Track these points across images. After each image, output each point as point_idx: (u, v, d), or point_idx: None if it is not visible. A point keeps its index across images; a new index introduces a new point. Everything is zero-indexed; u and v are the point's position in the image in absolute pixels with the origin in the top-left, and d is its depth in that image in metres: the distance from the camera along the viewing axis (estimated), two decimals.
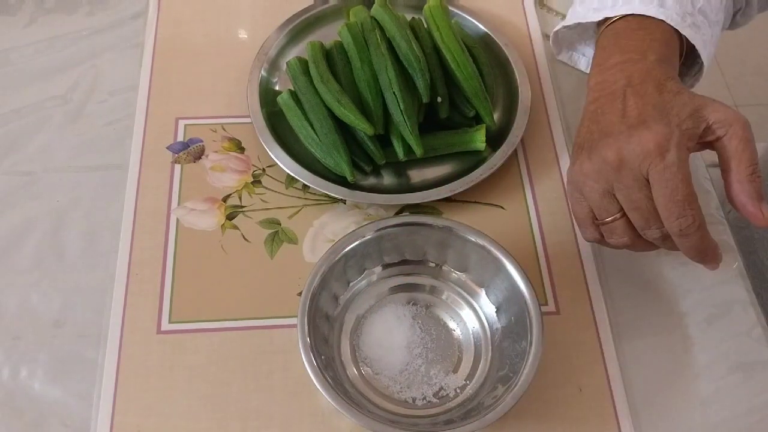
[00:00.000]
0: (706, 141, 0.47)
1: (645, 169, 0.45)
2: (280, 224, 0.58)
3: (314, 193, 0.60)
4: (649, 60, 0.49)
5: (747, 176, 0.45)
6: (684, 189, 0.44)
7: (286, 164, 0.59)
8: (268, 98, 0.63)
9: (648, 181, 0.45)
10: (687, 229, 0.44)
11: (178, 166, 0.61)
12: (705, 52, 0.53)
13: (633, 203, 0.46)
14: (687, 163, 0.45)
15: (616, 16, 0.53)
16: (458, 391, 0.50)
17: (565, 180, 0.61)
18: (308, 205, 0.59)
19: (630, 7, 0.52)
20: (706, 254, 0.47)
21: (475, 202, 0.60)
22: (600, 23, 0.55)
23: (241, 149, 0.62)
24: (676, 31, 0.51)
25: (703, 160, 0.63)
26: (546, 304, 0.55)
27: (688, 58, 0.55)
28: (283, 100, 0.61)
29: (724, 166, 0.47)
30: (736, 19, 0.61)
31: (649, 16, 0.51)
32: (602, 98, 0.49)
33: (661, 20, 0.51)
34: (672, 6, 0.51)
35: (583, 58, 0.65)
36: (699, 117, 0.46)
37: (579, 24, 0.58)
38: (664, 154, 0.44)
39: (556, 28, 0.61)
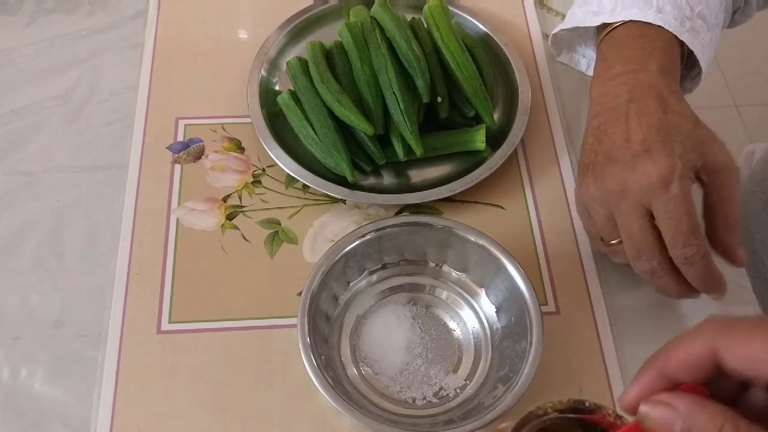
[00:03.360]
0: (698, 176, 0.48)
1: (648, 200, 0.45)
2: (280, 224, 0.58)
3: (314, 193, 0.60)
4: (650, 70, 0.49)
5: (731, 223, 0.47)
6: (688, 221, 0.45)
7: (286, 164, 0.59)
8: (268, 98, 0.63)
9: (647, 211, 0.46)
10: (692, 257, 0.45)
11: (178, 166, 0.61)
12: (704, 57, 0.53)
13: (627, 232, 0.47)
14: (690, 195, 0.45)
15: (615, 23, 0.53)
16: (458, 391, 0.50)
17: (565, 181, 0.61)
18: (308, 205, 0.59)
19: (628, 13, 0.52)
20: (711, 283, 0.48)
21: (475, 202, 0.60)
22: (600, 27, 0.55)
23: (241, 149, 0.62)
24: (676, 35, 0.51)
25: None
26: (546, 304, 0.55)
27: (687, 60, 0.55)
28: (283, 100, 0.61)
29: (710, 208, 0.48)
30: (734, 17, 0.61)
31: (650, 23, 0.51)
32: (605, 113, 0.49)
33: (660, 26, 0.51)
34: (670, 11, 0.51)
35: (584, 60, 0.65)
36: (700, 153, 0.47)
37: (578, 27, 0.58)
38: (667, 186, 0.45)
39: (554, 31, 0.61)
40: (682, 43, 0.52)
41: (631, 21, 0.52)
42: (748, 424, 0.26)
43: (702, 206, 0.48)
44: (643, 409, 0.29)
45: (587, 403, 0.33)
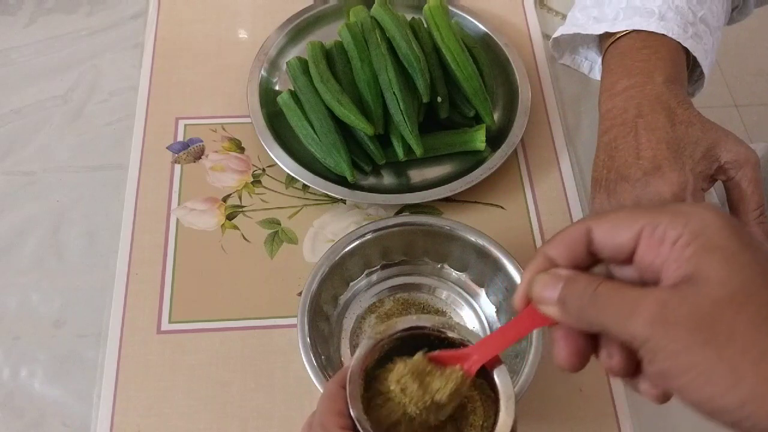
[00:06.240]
0: (716, 178, 0.48)
1: None
2: (280, 224, 0.58)
3: (314, 193, 0.60)
4: (656, 82, 0.49)
5: (755, 219, 0.47)
6: None
7: (286, 164, 0.59)
8: (268, 98, 0.63)
9: None
10: None
11: (178, 166, 0.61)
12: (706, 62, 0.52)
13: None
14: None
15: (619, 33, 0.53)
16: None
17: (565, 181, 0.61)
18: (308, 205, 0.59)
19: (630, 22, 0.52)
20: None
21: (475, 202, 0.60)
22: (603, 33, 0.55)
23: (241, 149, 0.62)
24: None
25: None
26: None
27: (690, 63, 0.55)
28: (283, 100, 0.61)
29: (732, 205, 0.48)
30: (732, 15, 0.61)
31: (653, 32, 0.51)
32: (614, 128, 0.49)
33: (664, 34, 0.50)
34: (673, 18, 0.51)
35: (586, 62, 0.65)
36: (711, 157, 0.47)
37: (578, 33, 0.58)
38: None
39: (555, 35, 0.61)
40: (686, 50, 0.51)
41: (634, 30, 0.52)
42: (610, 284, 0.29)
43: (728, 206, 0.48)
44: (534, 283, 0.31)
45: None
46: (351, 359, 0.36)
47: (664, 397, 0.30)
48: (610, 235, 0.30)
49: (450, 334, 0.37)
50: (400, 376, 0.35)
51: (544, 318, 0.31)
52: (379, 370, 0.37)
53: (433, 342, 0.37)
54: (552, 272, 0.31)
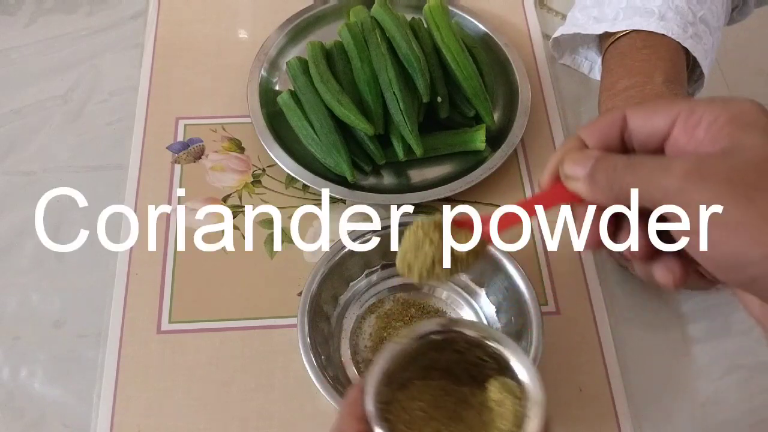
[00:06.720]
0: None
1: None
2: (280, 224, 0.58)
3: (314, 193, 0.60)
4: (656, 82, 0.49)
5: None
6: None
7: (286, 164, 0.59)
8: (268, 98, 0.63)
9: None
10: None
11: (178, 166, 0.61)
12: (706, 62, 0.53)
13: None
14: None
15: (619, 32, 0.53)
16: None
17: None
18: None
19: (630, 22, 0.52)
20: None
21: (475, 202, 0.60)
22: (603, 33, 0.55)
23: (241, 149, 0.62)
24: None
25: None
26: (546, 304, 0.55)
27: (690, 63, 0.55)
28: (283, 100, 0.61)
29: None
30: (732, 15, 0.61)
31: (653, 32, 0.51)
32: None
33: (663, 34, 0.50)
34: (673, 18, 0.51)
35: (586, 62, 0.65)
36: None
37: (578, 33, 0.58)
38: None
39: (555, 35, 0.61)
40: (686, 50, 0.52)
41: (634, 30, 0.52)
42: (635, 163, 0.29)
43: None
44: (564, 161, 0.32)
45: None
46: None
47: (681, 280, 0.30)
48: (645, 120, 0.30)
49: (490, 344, 0.36)
50: (423, 226, 0.35)
51: (569, 195, 0.32)
52: (406, 373, 0.37)
53: (462, 351, 0.36)
54: (584, 151, 0.31)
